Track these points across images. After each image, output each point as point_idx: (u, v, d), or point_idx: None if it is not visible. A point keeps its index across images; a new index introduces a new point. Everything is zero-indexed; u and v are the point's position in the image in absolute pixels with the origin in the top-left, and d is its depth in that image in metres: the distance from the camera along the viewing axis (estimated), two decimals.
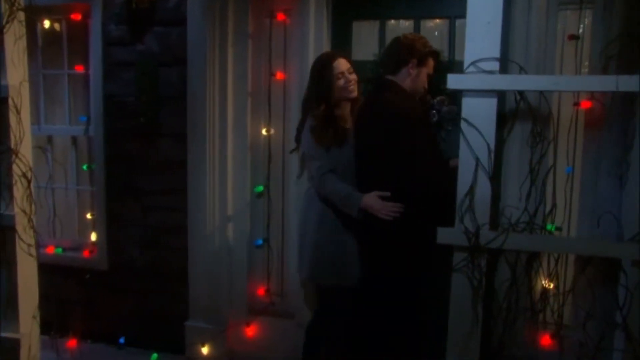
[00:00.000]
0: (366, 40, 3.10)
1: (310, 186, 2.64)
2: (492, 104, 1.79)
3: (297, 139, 2.70)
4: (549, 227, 2.30)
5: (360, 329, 2.50)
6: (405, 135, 2.21)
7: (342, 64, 2.53)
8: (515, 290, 1.91)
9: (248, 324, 3.23)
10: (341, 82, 2.50)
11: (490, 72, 1.77)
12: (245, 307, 3.27)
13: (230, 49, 3.11)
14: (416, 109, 2.37)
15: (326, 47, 3.03)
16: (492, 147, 1.76)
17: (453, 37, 2.92)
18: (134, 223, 3.41)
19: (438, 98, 2.70)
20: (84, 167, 3.57)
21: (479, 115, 1.78)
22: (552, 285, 2.10)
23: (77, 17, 3.40)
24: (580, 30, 2.59)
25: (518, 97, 1.96)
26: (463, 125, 1.78)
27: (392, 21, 3.05)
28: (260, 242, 3.26)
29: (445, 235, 1.86)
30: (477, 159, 1.77)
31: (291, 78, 3.10)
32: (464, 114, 1.79)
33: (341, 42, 3.09)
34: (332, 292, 2.59)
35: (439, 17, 2.96)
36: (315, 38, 3.00)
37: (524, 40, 2.47)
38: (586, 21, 2.62)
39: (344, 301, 2.58)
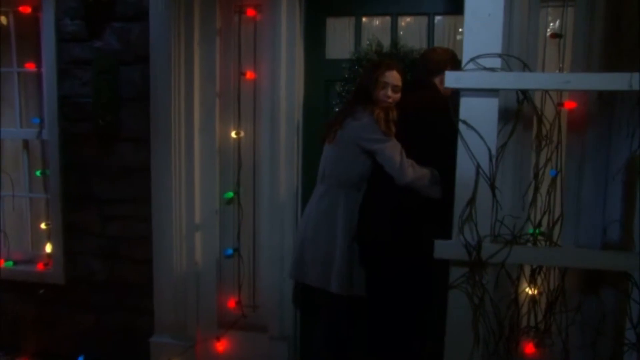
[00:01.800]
0: (341, 37, 2.96)
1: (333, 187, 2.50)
2: (493, 104, 1.64)
3: (334, 127, 2.51)
4: (530, 230, 2.21)
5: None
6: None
7: (392, 77, 2.44)
8: (516, 306, 1.78)
9: (218, 339, 3.05)
10: (382, 92, 2.43)
11: (492, 70, 1.63)
12: (215, 321, 3.08)
13: (196, 46, 2.92)
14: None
15: (299, 45, 2.89)
16: (494, 151, 1.62)
17: (432, 35, 2.81)
18: (93, 233, 3.18)
19: None
20: (37, 173, 3.31)
21: (479, 116, 1.62)
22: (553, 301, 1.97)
23: (26, 10, 3.15)
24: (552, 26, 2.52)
25: (521, 97, 1.83)
26: (462, 127, 1.61)
27: (368, 18, 2.91)
28: (230, 251, 3.09)
29: (443, 249, 1.69)
30: (478, 165, 1.63)
31: (262, 77, 2.93)
32: (462, 115, 1.63)
33: (314, 40, 2.95)
34: (347, 299, 2.51)
35: (417, 13, 2.84)
36: (287, 35, 2.85)
37: (506, 38, 2.37)
38: (568, 19, 2.55)
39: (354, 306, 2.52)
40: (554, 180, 2.22)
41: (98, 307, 3.22)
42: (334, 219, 2.47)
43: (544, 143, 1.90)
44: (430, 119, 2.28)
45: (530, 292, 1.97)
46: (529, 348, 2.27)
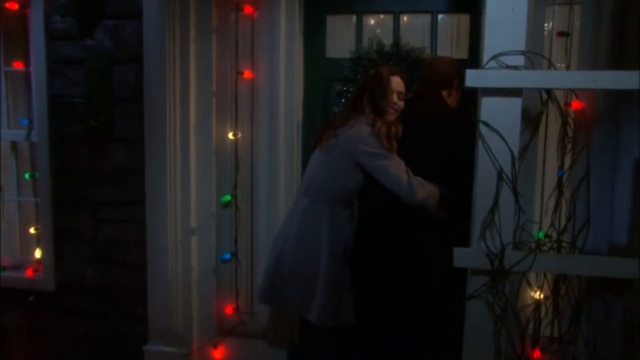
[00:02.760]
0: (341, 36, 2.89)
1: (318, 201, 2.28)
2: (516, 104, 1.55)
3: (328, 133, 2.30)
4: (540, 234, 2.14)
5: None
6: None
7: (397, 84, 2.27)
8: (538, 316, 1.71)
9: (215, 346, 2.96)
10: (387, 100, 2.23)
11: (515, 68, 1.55)
12: (212, 328, 2.99)
13: (192, 44, 2.83)
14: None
15: (298, 44, 2.81)
16: (517, 154, 1.54)
17: (435, 34, 2.75)
18: (85, 237, 3.08)
19: None
20: (26, 176, 3.20)
21: (501, 117, 1.53)
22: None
23: (13, 6, 3.03)
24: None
25: (545, 97, 1.76)
26: (483, 129, 1.53)
27: (369, 15, 2.85)
28: (227, 256, 2.99)
29: (463, 258, 1.61)
30: (501, 169, 1.56)
31: (260, 77, 2.84)
32: (483, 117, 1.54)
33: (314, 38, 2.87)
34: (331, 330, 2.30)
35: (420, 11, 2.78)
36: (286, 33, 2.77)
37: None
38: (575, 17, 2.50)
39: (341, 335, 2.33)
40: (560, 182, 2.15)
41: (90, 314, 3.12)
42: (318, 238, 2.22)
43: (569, 145, 1.83)
44: (439, 133, 2.19)
45: (551, 301, 1.89)
46: None
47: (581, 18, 2.42)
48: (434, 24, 2.76)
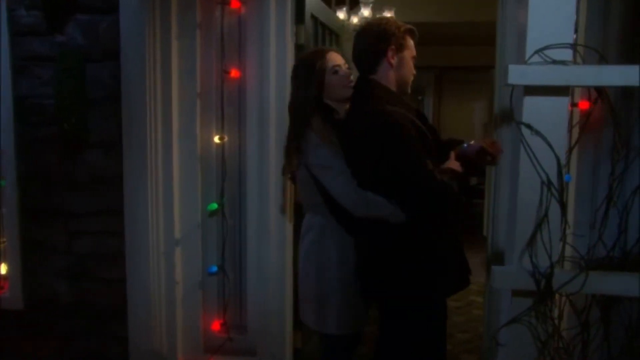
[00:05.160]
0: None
1: (316, 214, 2.13)
2: (563, 104, 1.38)
3: (290, 157, 2.14)
4: None
5: None
6: (403, 150, 1.86)
7: (336, 57, 2.10)
8: (587, 342, 1.56)
9: None
10: (336, 77, 2.07)
11: (563, 63, 1.40)
12: (198, 346, 2.80)
13: (174, 41, 2.63)
14: (407, 116, 1.98)
15: (290, 40, 2.62)
16: (563, 160, 1.39)
17: None
18: (58, 251, 2.83)
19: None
20: None
21: (546, 119, 1.36)
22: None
23: None
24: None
25: (594, 96, 1.62)
26: (525, 133, 1.38)
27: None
28: (214, 269, 2.80)
29: (503, 279, 1.45)
30: (548, 178, 1.40)
31: (248, 76, 2.66)
32: (526, 118, 1.38)
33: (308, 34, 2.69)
34: (349, 337, 2.19)
35: None
36: (276, 29, 2.59)
37: None
38: (580, 13, 2.38)
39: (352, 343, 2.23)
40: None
41: (64, 334, 2.87)
42: (325, 251, 2.09)
43: (623, 150, 1.70)
44: (357, 142, 1.97)
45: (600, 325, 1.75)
46: None
47: (587, 13, 2.30)
48: None
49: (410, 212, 1.88)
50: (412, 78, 2.10)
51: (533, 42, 1.36)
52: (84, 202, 2.78)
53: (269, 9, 2.57)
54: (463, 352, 3.50)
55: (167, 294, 2.74)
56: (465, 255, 2.10)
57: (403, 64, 2.05)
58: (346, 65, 2.13)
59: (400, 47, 2.03)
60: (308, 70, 2.07)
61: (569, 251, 1.69)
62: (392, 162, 1.88)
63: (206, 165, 2.75)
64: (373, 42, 2.03)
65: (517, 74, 1.35)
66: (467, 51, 7.60)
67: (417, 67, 2.12)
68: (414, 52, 2.09)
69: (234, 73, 2.67)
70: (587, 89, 1.79)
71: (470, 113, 9.29)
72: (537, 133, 1.35)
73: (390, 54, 2.01)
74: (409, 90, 2.11)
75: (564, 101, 1.38)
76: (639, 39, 2.22)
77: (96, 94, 2.71)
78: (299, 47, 2.68)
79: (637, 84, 1.34)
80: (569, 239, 1.54)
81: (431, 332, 2.00)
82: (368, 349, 2.65)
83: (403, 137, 1.86)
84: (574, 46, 1.36)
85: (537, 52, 1.35)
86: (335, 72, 2.08)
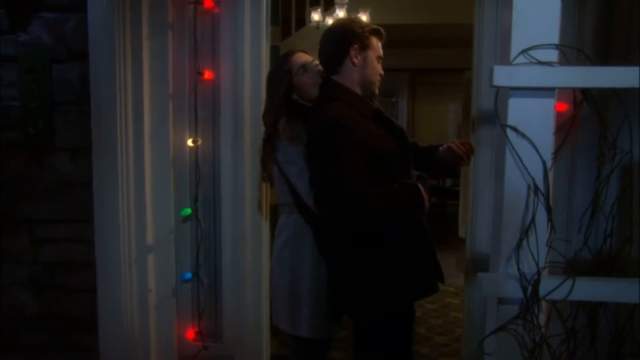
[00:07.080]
0: (313, 31, 2.67)
1: (291, 213, 2.11)
2: (549, 106, 1.35)
3: (266, 163, 2.17)
4: None
5: None
6: (325, 151, 1.86)
7: (302, 57, 2.09)
8: (572, 349, 1.54)
9: None
10: (306, 76, 2.05)
11: (549, 64, 1.37)
12: (173, 355, 2.71)
13: (145, 41, 2.54)
14: (356, 119, 1.93)
15: (265, 41, 2.57)
16: (550, 164, 1.36)
17: None
18: (22, 260, 2.70)
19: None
20: None
21: (532, 121, 1.34)
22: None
23: None
24: None
25: (580, 98, 1.60)
26: (511, 135, 1.35)
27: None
28: (188, 275, 2.71)
29: (490, 285, 1.41)
30: (533, 182, 1.37)
31: (222, 77, 2.59)
32: (511, 121, 1.35)
33: (283, 35, 2.64)
34: (321, 342, 2.16)
35: None
36: (251, 29, 2.54)
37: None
38: None
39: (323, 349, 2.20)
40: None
41: (30, 347, 2.74)
42: (297, 251, 2.08)
43: (610, 152, 1.68)
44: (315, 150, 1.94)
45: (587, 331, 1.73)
46: None
47: (562, 14, 2.30)
48: None
49: (321, 215, 1.87)
50: (378, 78, 2.06)
51: (518, 42, 1.33)
52: (50, 209, 2.66)
53: (243, 9, 2.52)
54: (441, 355, 3.49)
55: (139, 302, 2.65)
56: (438, 260, 2.06)
57: (367, 64, 2.01)
58: (315, 62, 2.10)
59: (364, 47, 2.00)
60: (276, 76, 2.10)
61: (553, 256, 1.68)
62: (313, 161, 1.91)
63: (179, 169, 2.67)
64: (336, 41, 2.01)
65: (504, 76, 1.32)
66: (441, 53, 7.65)
67: (391, 69, 2.09)
68: (379, 53, 2.05)
69: (208, 74, 2.60)
70: (570, 90, 1.77)
71: (444, 114, 9.37)
72: (523, 136, 1.32)
73: (353, 52, 1.98)
74: (376, 92, 2.08)
75: (550, 103, 1.36)
76: (613, 40, 2.24)
77: (63, 96, 2.60)
78: (273, 49, 2.63)
79: (629, 86, 1.32)
80: (553, 243, 1.52)
81: (397, 337, 1.97)
82: (342, 354, 2.61)
83: (330, 139, 1.86)
84: (559, 47, 1.33)
85: (522, 52, 1.32)
86: (305, 70, 2.06)
